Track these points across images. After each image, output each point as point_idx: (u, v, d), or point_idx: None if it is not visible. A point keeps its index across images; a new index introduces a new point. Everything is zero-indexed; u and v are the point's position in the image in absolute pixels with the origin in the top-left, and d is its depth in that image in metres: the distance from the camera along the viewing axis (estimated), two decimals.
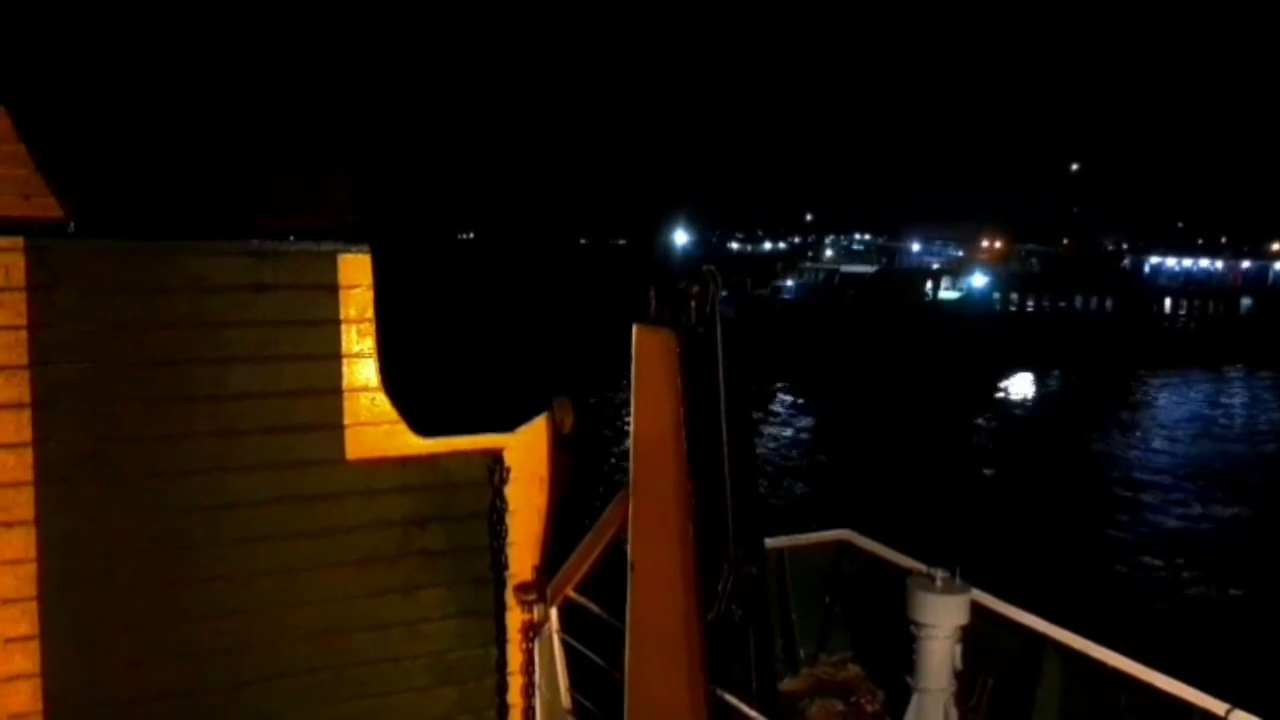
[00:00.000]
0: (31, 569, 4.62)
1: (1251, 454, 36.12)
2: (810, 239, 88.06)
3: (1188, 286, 75.59)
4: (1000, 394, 49.50)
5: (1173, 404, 48.72)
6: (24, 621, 4.61)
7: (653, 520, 4.92)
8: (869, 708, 6.43)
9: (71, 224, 4.75)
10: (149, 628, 4.89)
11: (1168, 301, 73.05)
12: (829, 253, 77.95)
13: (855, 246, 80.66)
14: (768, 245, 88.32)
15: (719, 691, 4.61)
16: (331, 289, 5.23)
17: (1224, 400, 50.94)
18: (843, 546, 7.13)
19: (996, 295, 67.67)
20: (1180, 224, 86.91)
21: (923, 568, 5.83)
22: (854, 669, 6.83)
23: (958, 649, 5.54)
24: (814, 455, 32.63)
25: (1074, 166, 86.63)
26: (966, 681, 5.66)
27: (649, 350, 4.87)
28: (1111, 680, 5.31)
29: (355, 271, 5.26)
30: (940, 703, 5.57)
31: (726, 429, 4.73)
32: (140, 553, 4.88)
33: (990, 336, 59.62)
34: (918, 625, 5.57)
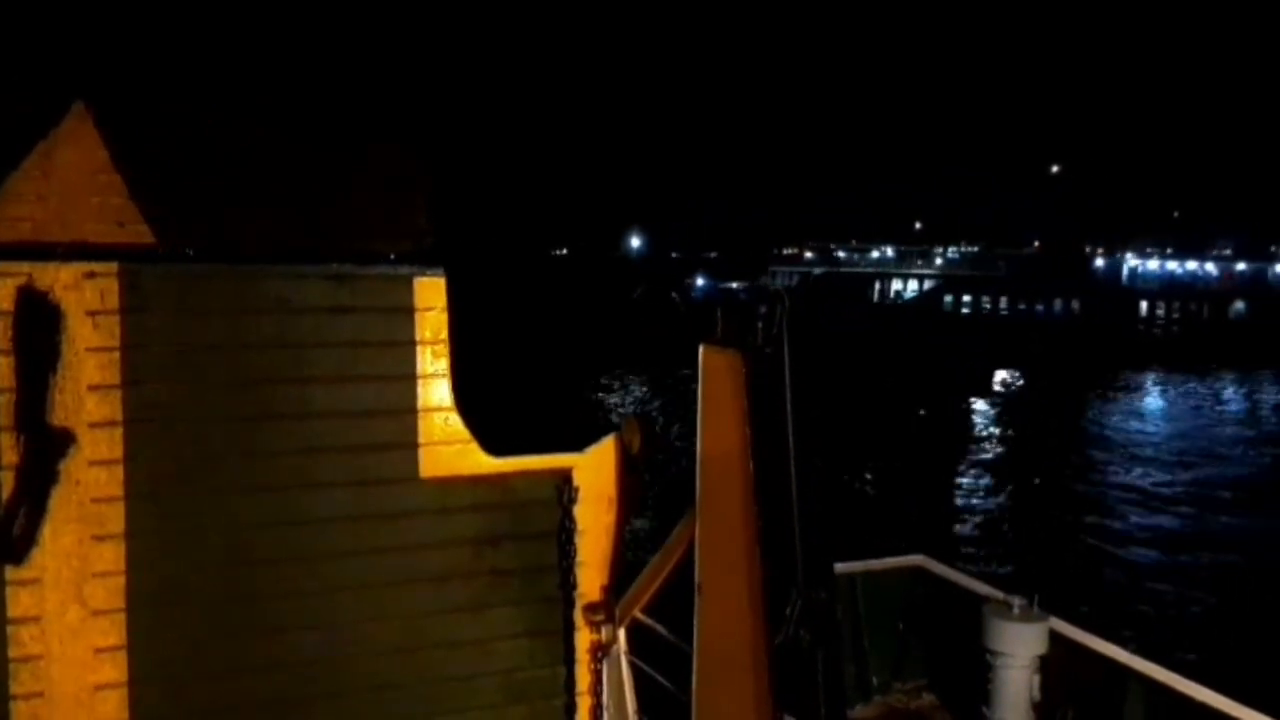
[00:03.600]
0: (121, 581, 4.80)
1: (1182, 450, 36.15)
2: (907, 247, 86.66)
3: (1169, 289, 71.77)
4: (929, 400, 47.53)
5: (1124, 412, 47.04)
6: (113, 633, 4.79)
7: (719, 543, 4.90)
8: None
9: (190, 250, 4.93)
10: (230, 640, 5.04)
11: (1143, 304, 69.48)
12: (939, 260, 77.42)
13: (951, 255, 79.75)
14: (875, 254, 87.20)
15: (787, 717, 4.56)
16: (408, 311, 5.35)
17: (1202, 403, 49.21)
18: (917, 572, 6.99)
19: (948, 298, 65.96)
20: (1170, 223, 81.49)
21: (999, 595, 5.68)
22: (928, 698, 6.68)
23: (1036, 679, 5.40)
24: None
25: (1054, 169, 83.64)
26: (1045, 713, 5.49)
27: (715, 371, 4.86)
28: (1200, 717, 5.09)
29: (430, 294, 5.38)
30: None
31: (794, 451, 4.69)
32: (223, 567, 5.04)
33: (938, 338, 58.15)
34: (994, 654, 5.44)
